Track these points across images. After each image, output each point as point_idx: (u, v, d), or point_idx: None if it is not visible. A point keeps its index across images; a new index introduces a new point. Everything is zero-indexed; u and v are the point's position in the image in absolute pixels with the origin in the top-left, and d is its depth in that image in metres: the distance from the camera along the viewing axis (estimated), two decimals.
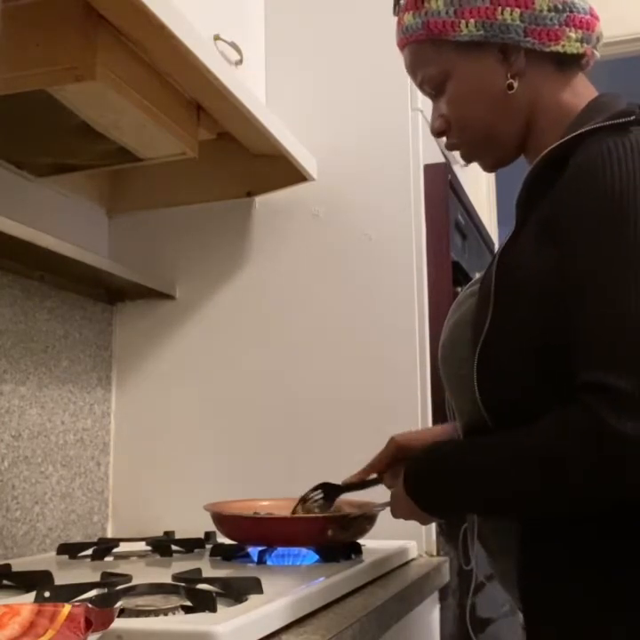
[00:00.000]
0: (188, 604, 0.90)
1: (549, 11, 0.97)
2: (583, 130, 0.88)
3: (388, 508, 1.10)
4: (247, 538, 1.30)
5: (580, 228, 0.84)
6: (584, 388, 0.80)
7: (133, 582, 1.01)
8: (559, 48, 0.98)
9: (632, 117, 0.86)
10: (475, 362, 0.91)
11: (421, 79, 1.05)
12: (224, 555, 1.31)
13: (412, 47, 1.04)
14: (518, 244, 0.92)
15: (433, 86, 1.04)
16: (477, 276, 1.05)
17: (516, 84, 0.99)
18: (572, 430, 0.80)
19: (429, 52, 1.02)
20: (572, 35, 0.98)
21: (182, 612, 0.88)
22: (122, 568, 1.21)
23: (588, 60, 1.02)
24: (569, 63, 1.00)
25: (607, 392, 0.77)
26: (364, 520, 1.29)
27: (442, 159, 1.87)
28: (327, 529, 1.22)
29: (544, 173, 0.91)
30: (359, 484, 1.23)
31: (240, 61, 1.51)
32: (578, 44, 0.99)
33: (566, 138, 0.90)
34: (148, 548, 1.40)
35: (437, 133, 1.07)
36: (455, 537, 1.34)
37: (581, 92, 1.00)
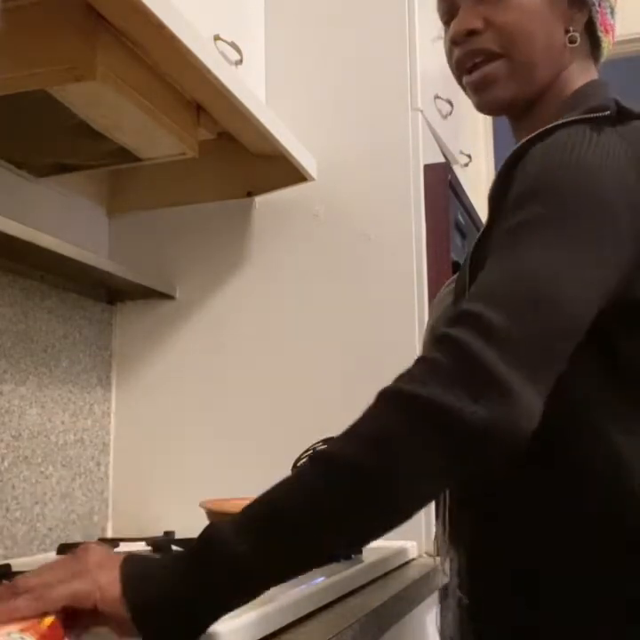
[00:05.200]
0: None
1: (612, 11, 0.99)
2: (553, 124, 0.86)
3: None
4: None
5: (511, 202, 0.82)
6: (457, 317, 0.74)
7: None
8: (604, 41, 0.99)
9: (607, 113, 0.83)
10: None
11: None
12: None
13: None
14: (490, 240, 0.88)
15: None
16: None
17: (578, 40, 0.96)
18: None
19: None
20: (611, 40, 1.00)
21: None
22: None
23: None
24: (594, 62, 1.01)
25: (480, 320, 0.71)
26: None
27: (442, 159, 1.87)
28: None
29: (513, 167, 0.88)
30: None
31: (240, 61, 1.51)
32: (606, 51, 1.01)
33: (537, 132, 0.87)
34: (148, 548, 1.40)
35: (469, 31, 0.95)
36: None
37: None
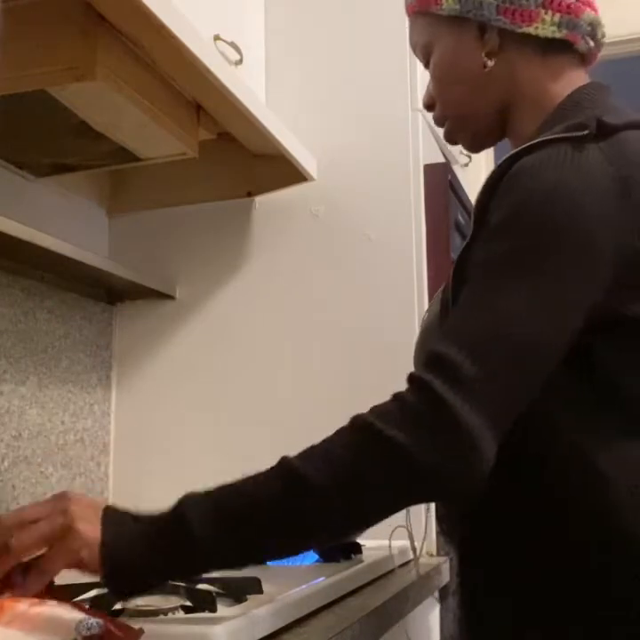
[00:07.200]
0: (188, 604, 0.89)
1: None
2: (533, 142, 0.85)
3: None
4: None
5: (491, 229, 0.83)
6: (430, 359, 0.77)
7: None
8: (531, 30, 0.93)
9: (585, 132, 0.82)
10: None
11: (414, 49, 1.07)
12: None
13: (411, 18, 1.07)
14: (471, 250, 0.89)
15: (423, 57, 1.05)
16: None
17: (490, 64, 0.96)
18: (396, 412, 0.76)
19: (421, 24, 1.04)
20: (548, 18, 0.93)
21: (182, 612, 0.88)
22: None
23: (589, 52, 0.97)
24: (554, 50, 0.95)
25: (451, 366, 0.74)
26: None
27: (442, 159, 1.87)
28: None
29: (498, 181, 0.87)
30: None
31: (240, 61, 1.51)
32: (554, 28, 0.93)
33: (519, 149, 0.86)
34: None
35: (425, 106, 1.07)
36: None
37: (569, 81, 0.95)
